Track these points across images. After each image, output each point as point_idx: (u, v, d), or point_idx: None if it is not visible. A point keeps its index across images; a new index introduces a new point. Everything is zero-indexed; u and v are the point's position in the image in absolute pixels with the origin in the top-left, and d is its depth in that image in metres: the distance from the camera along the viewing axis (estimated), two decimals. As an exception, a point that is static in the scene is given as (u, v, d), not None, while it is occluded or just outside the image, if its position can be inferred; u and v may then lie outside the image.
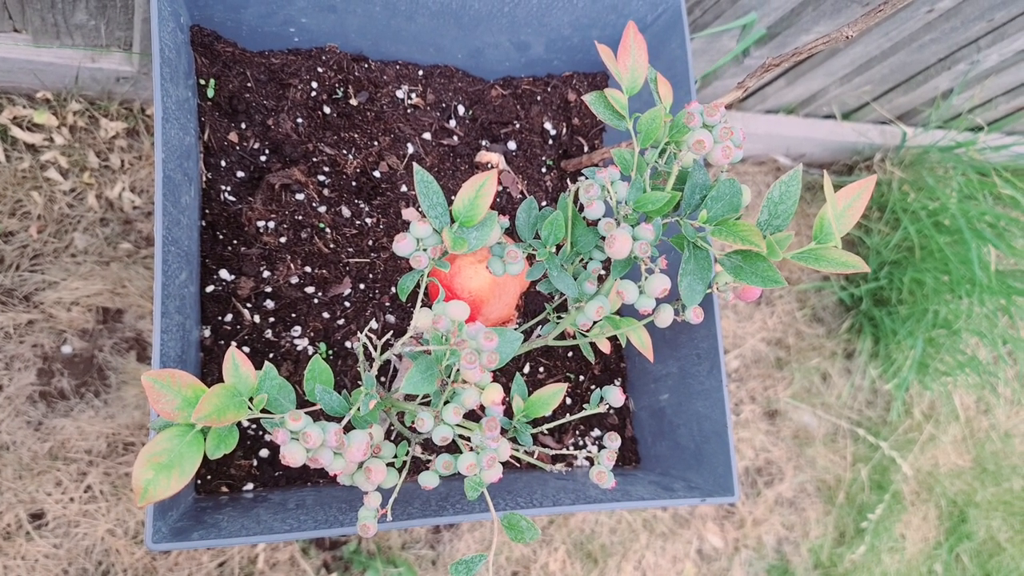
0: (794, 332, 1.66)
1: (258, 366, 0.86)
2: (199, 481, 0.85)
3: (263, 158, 0.92)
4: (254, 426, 0.88)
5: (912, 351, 1.62)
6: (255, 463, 0.87)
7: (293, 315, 0.90)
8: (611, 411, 1.03)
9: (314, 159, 0.93)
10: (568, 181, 1.05)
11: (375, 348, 0.69)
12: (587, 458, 0.97)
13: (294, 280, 0.90)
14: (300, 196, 0.91)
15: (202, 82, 0.90)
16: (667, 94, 0.72)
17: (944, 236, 1.58)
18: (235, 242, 0.90)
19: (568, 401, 1.01)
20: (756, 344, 1.62)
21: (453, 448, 0.86)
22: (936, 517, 1.74)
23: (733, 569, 1.53)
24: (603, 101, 0.71)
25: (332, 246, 0.92)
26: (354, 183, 0.95)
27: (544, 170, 1.04)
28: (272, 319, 0.89)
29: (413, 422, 0.67)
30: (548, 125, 1.04)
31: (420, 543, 1.32)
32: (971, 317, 1.59)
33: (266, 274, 0.90)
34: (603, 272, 0.78)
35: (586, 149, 1.08)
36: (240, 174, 0.91)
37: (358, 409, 0.62)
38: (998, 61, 1.45)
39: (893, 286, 1.65)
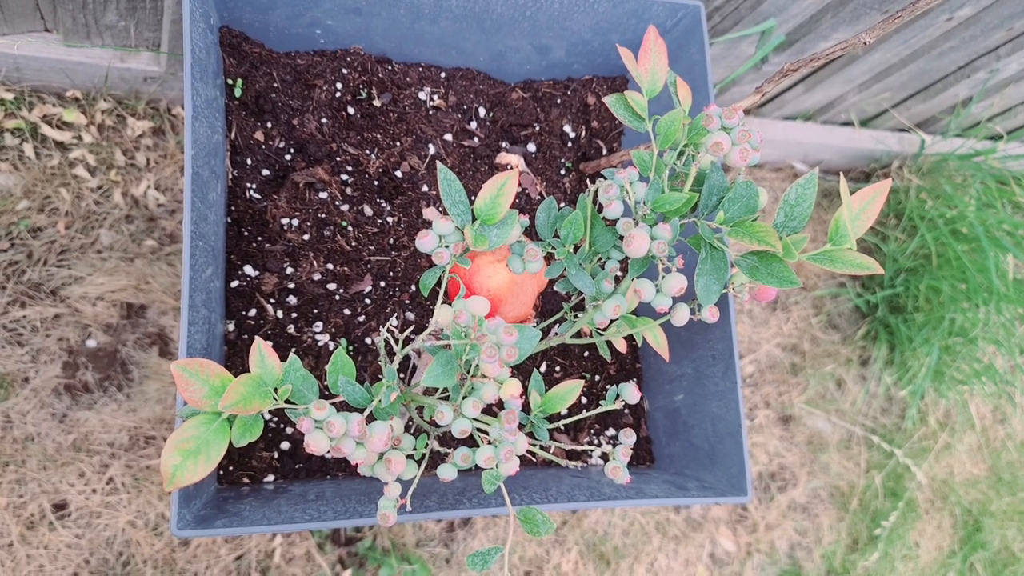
0: (809, 338, 1.66)
1: (281, 360, 0.87)
2: (221, 472, 0.86)
3: (288, 157, 0.94)
4: (276, 419, 0.89)
5: (928, 359, 1.62)
6: (276, 455, 0.88)
7: (315, 311, 0.92)
8: (626, 411, 1.04)
9: (337, 158, 0.95)
10: (587, 183, 1.06)
11: (396, 343, 0.71)
12: (602, 456, 0.98)
13: (317, 277, 0.92)
14: (323, 195, 0.93)
15: (230, 82, 0.92)
16: (686, 97, 0.73)
17: (962, 244, 1.58)
18: (260, 239, 0.91)
19: (584, 400, 1.02)
20: (771, 349, 1.62)
21: (471, 442, 0.87)
22: (951, 526, 1.73)
23: (745, 573, 1.53)
24: (623, 103, 0.72)
25: (354, 244, 0.94)
26: (376, 182, 0.96)
27: (563, 172, 1.05)
28: (295, 315, 0.91)
29: (432, 416, 0.68)
30: (567, 128, 1.06)
31: (434, 541, 1.33)
32: (988, 325, 1.59)
33: (289, 270, 0.91)
34: (620, 272, 0.79)
35: (604, 152, 1.09)
36: (265, 172, 0.93)
37: (379, 401, 0.63)
38: (1018, 70, 1.45)
39: (909, 293, 1.65)
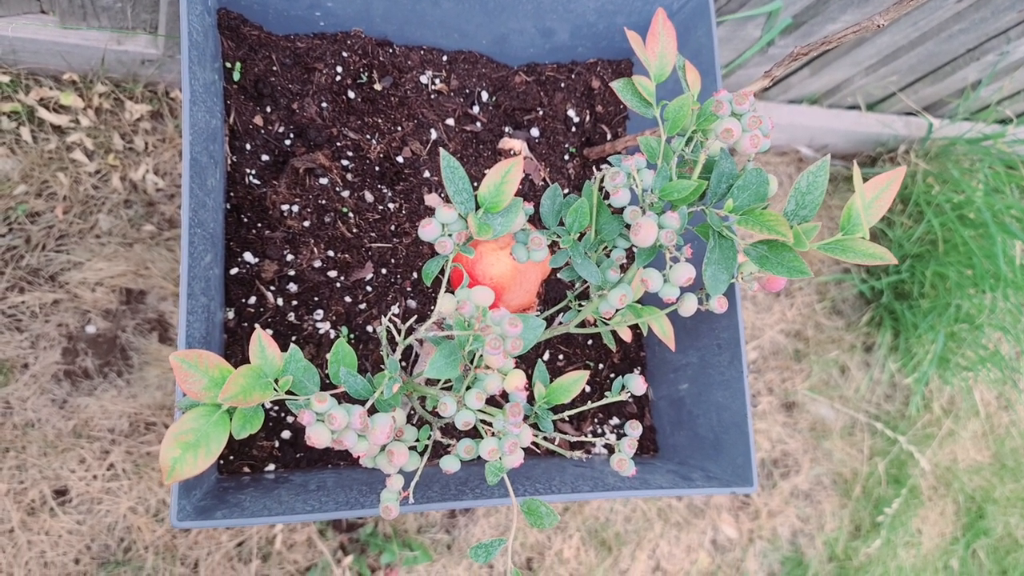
0: (813, 324, 1.65)
1: (281, 349, 0.86)
2: (222, 462, 0.85)
3: (288, 142, 0.92)
4: (276, 408, 0.88)
5: (933, 345, 1.61)
6: (277, 445, 0.87)
7: (316, 299, 0.91)
8: (631, 400, 1.03)
9: (338, 144, 0.93)
10: (593, 168, 1.05)
11: (398, 332, 0.70)
12: (605, 446, 0.97)
13: (317, 264, 0.91)
14: (324, 180, 0.92)
15: (228, 65, 0.90)
16: (695, 82, 0.71)
17: (968, 229, 1.57)
18: (259, 225, 0.90)
19: (588, 389, 1.01)
20: (775, 336, 1.61)
21: (474, 433, 0.86)
22: (953, 512, 1.73)
23: (747, 560, 1.53)
24: (631, 88, 0.71)
25: (355, 231, 0.93)
26: (377, 168, 0.95)
27: (567, 157, 1.03)
28: (295, 302, 0.90)
29: (435, 407, 0.67)
30: (571, 112, 1.04)
31: (436, 527, 1.33)
32: (994, 312, 1.57)
33: (289, 257, 0.90)
34: (626, 261, 0.78)
35: (609, 137, 1.07)
36: (265, 157, 0.91)
37: (381, 392, 0.62)
38: (1028, 53, 1.43)
39: (915, 279, 1.63)
